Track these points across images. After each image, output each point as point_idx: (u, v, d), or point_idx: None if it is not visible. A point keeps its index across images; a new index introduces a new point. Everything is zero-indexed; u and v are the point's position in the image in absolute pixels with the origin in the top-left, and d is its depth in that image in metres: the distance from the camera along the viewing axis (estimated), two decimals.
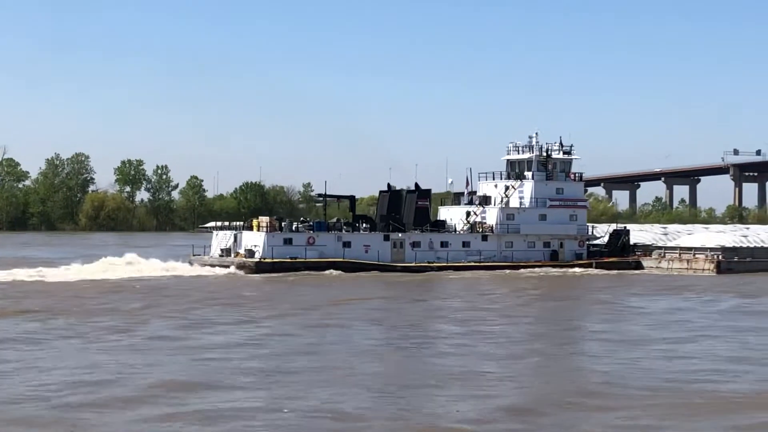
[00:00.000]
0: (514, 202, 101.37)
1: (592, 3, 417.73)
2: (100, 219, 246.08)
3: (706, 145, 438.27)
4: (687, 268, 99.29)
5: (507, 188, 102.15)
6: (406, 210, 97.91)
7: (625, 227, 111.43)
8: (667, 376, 34.14)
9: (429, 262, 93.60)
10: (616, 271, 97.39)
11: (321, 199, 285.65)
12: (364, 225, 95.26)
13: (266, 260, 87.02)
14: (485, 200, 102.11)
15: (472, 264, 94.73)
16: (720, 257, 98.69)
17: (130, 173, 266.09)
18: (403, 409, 28.67)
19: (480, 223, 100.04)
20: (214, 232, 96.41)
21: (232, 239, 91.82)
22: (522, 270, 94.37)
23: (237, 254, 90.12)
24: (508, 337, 44.88)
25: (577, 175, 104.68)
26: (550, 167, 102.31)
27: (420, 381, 33.03)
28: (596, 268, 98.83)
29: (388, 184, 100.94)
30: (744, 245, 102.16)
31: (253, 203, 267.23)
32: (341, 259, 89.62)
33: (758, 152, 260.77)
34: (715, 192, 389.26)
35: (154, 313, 52.52)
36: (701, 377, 34.25)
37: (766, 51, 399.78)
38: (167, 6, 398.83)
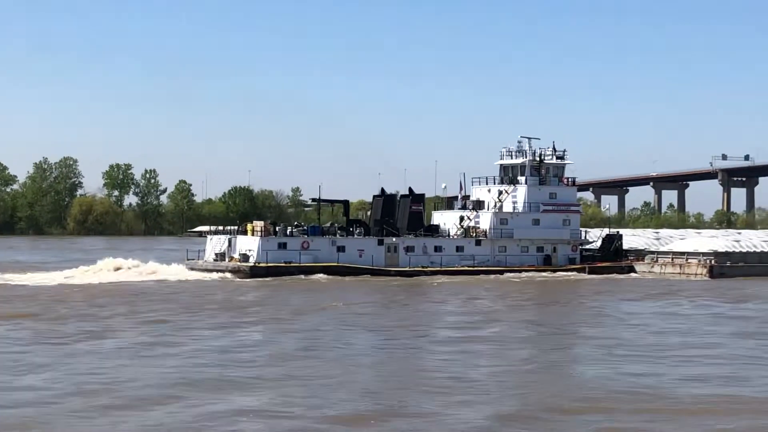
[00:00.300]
0: (507, 207, 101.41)
1: (582, 9, 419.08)
2: (88, 223, 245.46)
3: (694, 150, 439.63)
4: (680, 273, 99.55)
5: (500, 193, 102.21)
6: (400, 214, 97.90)
7: (618, 232, 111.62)
8: (657, 381, 34.20)
9: (423, 267, 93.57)
10: (609, 276, 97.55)
11: (309, 203, 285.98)
12: (358, 229, 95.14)
13: (261, 265, 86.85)
14: (479, 205, 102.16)
15: (466, 269, 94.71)
16: (712, 262, 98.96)
17: (118, 177, 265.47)
18: (395, 415, 28.51)
19: (473, 227, 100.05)
20: (209, 237, 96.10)
21: (226, 243, 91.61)
22: (514, 274, 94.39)
23: (231, 258, 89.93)
24: (498, 343, 44.72)
25: (570, 179, 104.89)
26: (543, 172, 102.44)
27: (411, 387, 32.80)
28: (589, 272, 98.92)
29: (382, 189, 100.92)
30: (736, 250, 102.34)
31: (241, 208, 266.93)
32: (335, 264, 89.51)
33: (747, 157, 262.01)
34: (704, 197, 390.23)
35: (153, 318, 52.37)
36: (689, 382, 34.32)
37: (754, 56, 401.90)
38: (156, 9, 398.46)
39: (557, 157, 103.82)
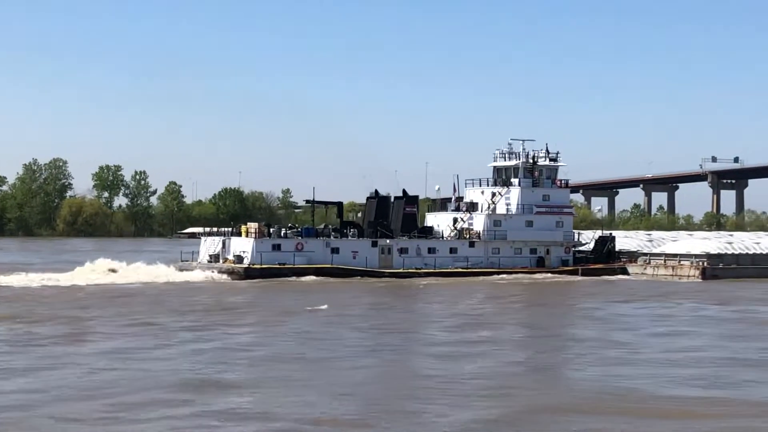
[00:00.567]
0: (500, 209, 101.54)
1: (573, 12, 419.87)
2: (77, 224, 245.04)
3: (684, 152, 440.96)
4: (672, 275, 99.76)
5: (494, 195, 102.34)
6: (394, 216, 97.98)
7: (610, 234, 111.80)
8: (649, 383, 34.19)
9: (417, 269, 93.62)
10: (602, 278, 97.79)
11: (299, 205, 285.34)
12: (351, 231, 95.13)
13: (255, 266, 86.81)
14: (472, 207, 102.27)
15: (459, 270, 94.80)
16: (705, 264, 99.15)
17: (108, 179, 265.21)
18: (376, 419, 28.30)
19: (467, 229, 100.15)
20: (202, 238, 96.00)
21: (220, 245, 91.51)
22: (508, 276, 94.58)
23: (225, 260, 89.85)
24: (490, 345, 44.66)
25: (563, 181, 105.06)
26: (536, 174, 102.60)
27: (395, 390, 32.60)
28: (582, 274, 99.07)
29: (376, 191, 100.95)
30: (729, 252, 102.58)
31: (231, 209, 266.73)
32: (329, 265, 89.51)
33: (736, 159, 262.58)
34: (694, 199, 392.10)
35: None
36: (671, 383, 34.34)
37: (742, 58, 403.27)
38: (148, 10, 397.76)
39: (550, 159, 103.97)
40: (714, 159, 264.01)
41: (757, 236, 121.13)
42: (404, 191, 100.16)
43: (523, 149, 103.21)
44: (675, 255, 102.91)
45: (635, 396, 31.86)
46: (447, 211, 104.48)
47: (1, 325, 48.58)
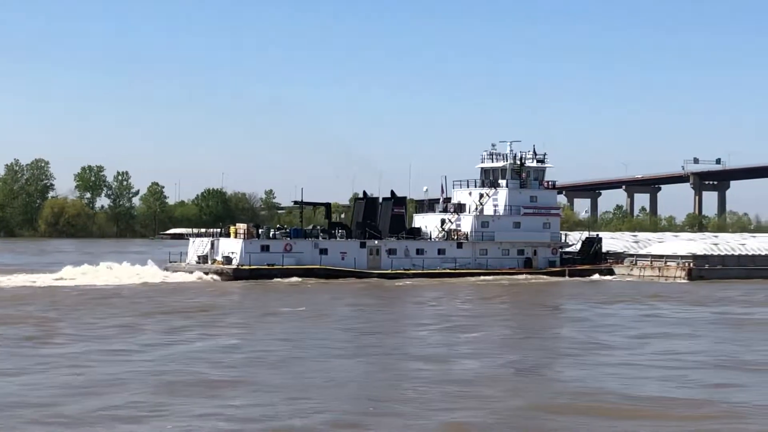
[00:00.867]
0: (488, 210, 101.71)
1: (553, 14, 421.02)
2: (59, 225, 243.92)
3: (666, 154, 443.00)
4: (659, 276, 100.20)
5: (481, 196, 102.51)
6: (382, 217, 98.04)
7: (597, 235, 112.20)
8: (630, 384, 34.36)
9: (405, 270, 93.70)
10: (588, 278, 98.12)
11: (283, 206, 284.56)
12: (340, 232, 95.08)
13: (244, 267, 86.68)
14: (460, 208, 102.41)
15: (448, 271, 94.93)
16: (691, 265, 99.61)
17: (90, 179, 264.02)
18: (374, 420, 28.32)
19: (455, 230, 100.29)
20: (191, 239, 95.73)
21: (209, 246, 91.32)
22: (496, 277, 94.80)
23: (214, 261, 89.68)
24: (475, 346, 44.70)
25: (550, 183, 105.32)
26: (523, 175, 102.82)
27: (391, 394, 32.42)
28: (569, 275, 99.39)
29: (364, 192, 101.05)
30: (714, 253, 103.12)
31: (214, 210, 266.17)
32: (318, 266, 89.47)
33: (718, 161, 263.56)
34: (676, 200, 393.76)
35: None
36: (663, 386, 34.40)
37: (725, 60, 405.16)
38: (132, 8, 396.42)
39: (538, 161, 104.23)
40: (696, 160, 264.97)
41: (742, 237, 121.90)
42: (392, 192, 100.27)
43: (511, 150, 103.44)
44: (661, 256, 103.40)
45: (617, 397, 32.03)
46: (435, 212, 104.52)
47: None
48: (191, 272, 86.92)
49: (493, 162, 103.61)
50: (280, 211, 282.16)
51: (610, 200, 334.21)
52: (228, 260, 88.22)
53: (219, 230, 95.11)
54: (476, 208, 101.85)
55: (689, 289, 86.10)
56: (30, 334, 45.68)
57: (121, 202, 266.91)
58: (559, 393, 32.66)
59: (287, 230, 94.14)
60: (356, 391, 32.66)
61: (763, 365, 39.89)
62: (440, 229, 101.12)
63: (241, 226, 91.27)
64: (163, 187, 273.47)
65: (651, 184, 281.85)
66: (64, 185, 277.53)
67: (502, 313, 62.53)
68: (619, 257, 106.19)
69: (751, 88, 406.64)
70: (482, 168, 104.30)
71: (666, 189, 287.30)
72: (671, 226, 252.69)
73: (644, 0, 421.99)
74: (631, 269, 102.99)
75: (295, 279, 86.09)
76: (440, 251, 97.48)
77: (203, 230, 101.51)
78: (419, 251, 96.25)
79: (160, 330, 48.22)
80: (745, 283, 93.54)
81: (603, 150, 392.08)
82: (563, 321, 59.05)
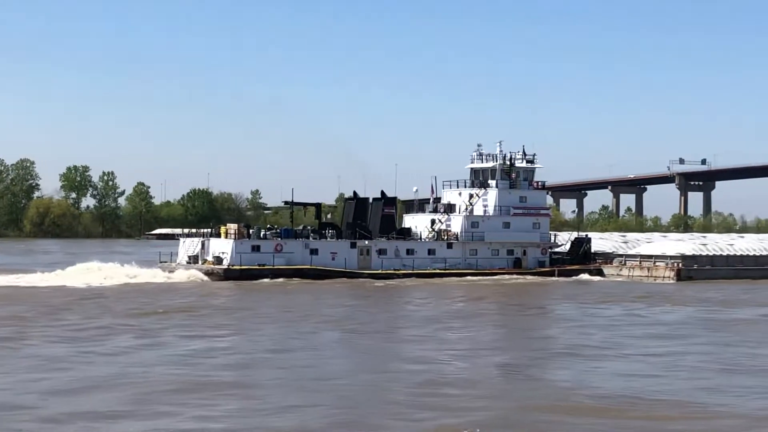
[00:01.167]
0: (478, 210, 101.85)
1: (542, 14, 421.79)
2: (45, 225, 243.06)
3: (652, 154, 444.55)
4: (647, 276, 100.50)
5: (471, 196, 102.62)
6: (372, 217, 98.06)
7: (586, 235, 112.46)
8: (616, 386, 34.31)
9: (395, 270, 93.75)
10: (578, 279, 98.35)
11: (268, 206, 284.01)
12: (330, 232, 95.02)
13: (234, 267, 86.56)
14: (450, 208, 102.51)
15: (438, 271, 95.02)
16: (680, 265, 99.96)
17: (75, 179, 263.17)
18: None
19: (445, 230, 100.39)
20: (181, 239, 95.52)
21: (199, 246, 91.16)
22: (486, 277, 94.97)
23: (205, 261, 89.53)
24: (465, 348, 44.69)
25: (540, 183, 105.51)
26: (513, 176, 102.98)
27: (382, 397, 32.28)
28: (558, 275, 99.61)
29: (354, 192, 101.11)
30: (703, 253, 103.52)
31: (200, 210, 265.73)
32: (309, 266, 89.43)
33: (703, 161, 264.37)
34: (661, 200, 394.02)
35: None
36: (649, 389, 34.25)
37: (710, 61, 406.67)
38: (119, 7, 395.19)
39: (527, 161, 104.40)
40: (681, 161, 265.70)
41: (731, 238, 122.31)
42: (382, 192, 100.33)
43: (500, 151, 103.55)
44: (650, 256, 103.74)
45: (612, 397, 32.17)
46: (425, 212, 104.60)
47: None
48: (182, 270, 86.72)
49: (482, 162, 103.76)
50: (266, 212, 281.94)
51: (596, 201, 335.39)
52: (219, 260, 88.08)
53: (210, 230, 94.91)
54: (466, 209, 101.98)
55: (680, 288, 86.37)
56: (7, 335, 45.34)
57: (106, 203, 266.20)
58: (547, 394, 32.69)
59: (278, 230, 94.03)
60: (345, 394, 32.34)
61: (753, 367, 40.00)
62: (430, 229, 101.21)
63: (232, 227, 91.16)
64: (149, 187, 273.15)
65: (636, 185, 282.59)
66: (49, 185, 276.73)
67: (491, 314, 62.48)
68: (608, 257, 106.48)
69: (737, 90, 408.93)
70: (472, 168, 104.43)
71: (651, 189, 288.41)
72: (657, 227, 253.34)
73: (636, 2, 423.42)
74: (620, 269, 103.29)
75: (281, 279, 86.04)
76: (430, 251, 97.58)
77: (194, 230, 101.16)
78: (409, 251, 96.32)
79: (124, 332, 47.48)
80: (735, 282, 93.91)
81: (589, 150, 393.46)
82: (551, 321, 59.08)
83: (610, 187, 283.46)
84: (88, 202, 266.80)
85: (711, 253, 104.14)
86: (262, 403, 30.43)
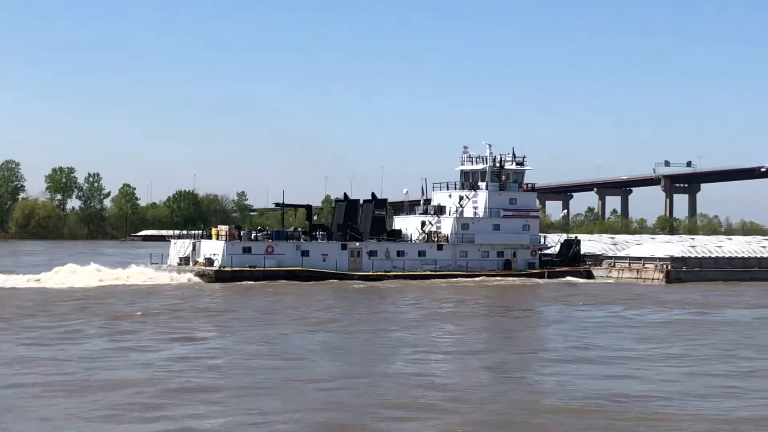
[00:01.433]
0: (468, 212, 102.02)
1: (528, 18, 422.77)
2: (30, 227, 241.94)
3: (637, 157, 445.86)
4: (637, 278, 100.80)
5: (461, 198, 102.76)
6: (363, 219, 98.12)
7: (576, 237, 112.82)
8: (602, 391, 34.21)
9: (386, 271, 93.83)
10: (567, 281, 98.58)
11: (254, 208, 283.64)
12: (321, 234, 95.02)
13: (226, 269, 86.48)
14: (440, 210, 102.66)
15: (428, 273, 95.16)
16: (669, 267, 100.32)
17: (61, 181, 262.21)
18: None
19: (435, 232, 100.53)
20: (172, 241, 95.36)
21: (190, 248, 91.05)
22: (476, 279, 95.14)
23: (196, 263, 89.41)
24: (451, 350, 44.71)
25: (529, 185, 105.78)
26: (503, 178, 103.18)
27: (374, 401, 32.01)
28: (548, 277, 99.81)
29: (345, 194, 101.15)
30: (692, 255, 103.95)
31: (186, 212, 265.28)
32: (300, 268, 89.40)
33: (689, 164, 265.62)
34: (647, 203, 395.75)
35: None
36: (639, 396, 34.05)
37: (696, 65, 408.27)
38: (109, 8, 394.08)
39: (517, 163, 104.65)
40: (667, 163, 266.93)
41: (719, 240, 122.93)
42: (373, 194, 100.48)
43: (490, 153, 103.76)
44: (639, 258, 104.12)
45: (605, 399, 32.26)
46: (415, 214, 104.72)
47: None
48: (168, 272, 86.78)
49: (472, 164, 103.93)
50: (252, 213, 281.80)
51: (582, 203, 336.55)
52: (210, 262, 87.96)
53: (201, 232, 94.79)
54: (456, 211, 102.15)
55: (669, 290, 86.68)
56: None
57: (92, 204, 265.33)
58: (534, 395, 32.80)
59: (269, 232, 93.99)
60: (336, 397, 32.07)
61: (749, 369, 40.22)
62: (420, 231, 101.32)
63: (223, 228, 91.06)
64: (135, 188, 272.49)
65: (622, 187, 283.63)
66: (34, 187, 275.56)
67: (479, 316, 62.48)
68: (597, 259, 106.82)
69: (722, 92, 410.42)
70: (462, 170, 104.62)
71: (637, 191, 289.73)
72: (642, 229, 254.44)
73: (622, 6, 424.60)
74: (610, 271, 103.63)
75: (267, 282, 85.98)
76: (420, 253, 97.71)
77: (185, 232, 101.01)
78: (400, 253, 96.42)
79: (94, 334, 47.05)
80: (724, 284, 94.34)
81: (574, 152, 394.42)
82: (541, 323, 59.07)
83: (595, 189, 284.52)
84: (74, 203, 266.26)
85: (700, 255, 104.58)
86: (246, 410, 29.95)
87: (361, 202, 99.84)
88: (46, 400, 30.77)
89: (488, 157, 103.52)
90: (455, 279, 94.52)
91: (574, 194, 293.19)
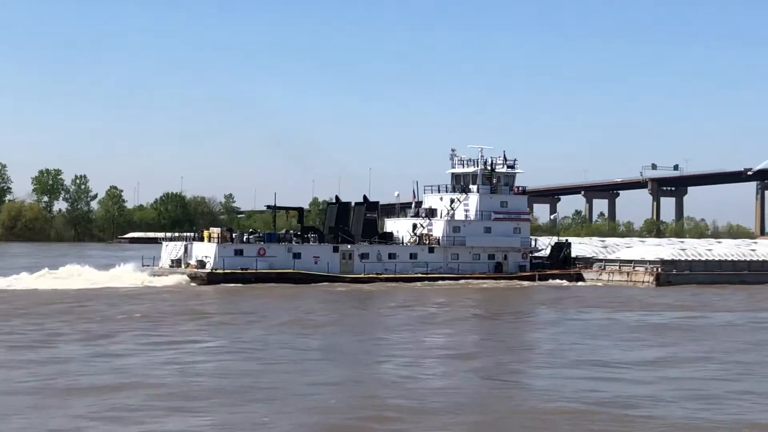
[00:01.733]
0: (459, 215, 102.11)
1: (516, 22, 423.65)
2: (16, 229, 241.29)
3: (625, 160, 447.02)
4: (627, 281, 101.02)
5: (452, 201, 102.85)
6: (354, 222, 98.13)
7: (566, 240, 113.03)
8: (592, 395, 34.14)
9: (377, 274, 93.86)
10: (558, 283, 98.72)
11: (242, 210, 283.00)
12: (313, 236, 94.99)
13: (218, 271, 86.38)
14: (431, 213, 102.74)
15: (420, 275, 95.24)
16: (659, 270, 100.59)
17: (48, 183, 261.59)
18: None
19: (426, 235, 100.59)
20: (164, 243, 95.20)
21: (182, 250, 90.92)
22: (467, 281, 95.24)
23: (188, 265, 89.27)
24: (442, 354, 44.59)
25: (520, 188, 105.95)
26: (494, 181, 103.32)
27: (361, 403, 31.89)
28: (539, 280, 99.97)
29: (336, 197, 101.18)
30: (682, 258, 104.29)
31: (173, 214, 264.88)
32: (292, 270, 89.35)
33: (676, 167, 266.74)
34: (634, 206, 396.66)
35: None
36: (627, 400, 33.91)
37: (682, 67, 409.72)
38: (99, 10, 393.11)
39: (508, 166, 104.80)
40: (654, 166, 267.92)
41: (709, 243, 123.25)
42: (365, 197, 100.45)
43: (481, 156, 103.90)
44: (629, 261, 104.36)
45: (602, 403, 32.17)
46: (406, 216, 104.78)
47: None
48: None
49: (464, 167, 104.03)
50: (239, 215, 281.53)
51: (569, 206, 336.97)
52: (202, 264, 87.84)
53: (193, 234, 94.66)
54: (447, 213, 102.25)
55: (660, 293, 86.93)
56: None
57: (79, 206, 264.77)
58: (525, 399, 32.80)
59: (261, 234, 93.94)
60: (327, 400, 31.86)
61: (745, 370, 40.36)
62: (412, 233, 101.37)
63: (215, 230, 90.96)
64: (122, 190, 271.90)
65: (609, 190, 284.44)
66: (21, 189, 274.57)
67: (469, 319, 62.43)
68: (588, 262, 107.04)
69: (709, 96, 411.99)
70: (453, 173, 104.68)
71: (624, 195, 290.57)
72: (629, 232, 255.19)
73: (610, 10, 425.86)
74: (600, 274, 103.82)
75: (258, 284, 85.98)
76: (412, 256, 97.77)
77: (176, 234, 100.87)
78: (391, 256, 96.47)
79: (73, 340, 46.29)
80: (714, 287, 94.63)
81: (562, 156, 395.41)
82: (532, 327, 59.04)
83: (583, 192, 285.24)
84: (61, 205, 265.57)
85: (690, 258, 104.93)
86: (239, 414, 29.74)
87: (353, 204, 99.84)
88: (19, 402, 30.59)
89: (479, 160, 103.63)
90: (446, 281, 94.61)
91: (562, 197, 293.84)
